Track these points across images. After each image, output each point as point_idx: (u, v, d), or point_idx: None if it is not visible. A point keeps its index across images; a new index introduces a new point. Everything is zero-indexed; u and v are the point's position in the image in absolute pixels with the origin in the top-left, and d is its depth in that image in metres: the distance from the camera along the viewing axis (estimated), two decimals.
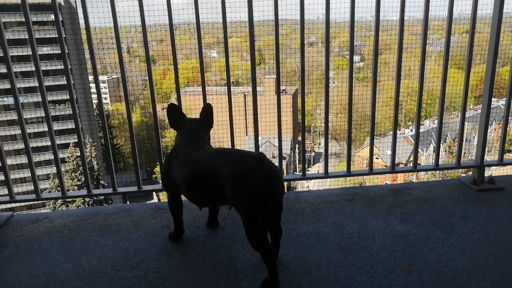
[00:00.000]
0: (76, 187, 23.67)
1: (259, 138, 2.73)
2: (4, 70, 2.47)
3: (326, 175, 2.73)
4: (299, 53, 2.56)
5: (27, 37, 2.30)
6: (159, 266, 1.94)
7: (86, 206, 21.32)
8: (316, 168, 30.99)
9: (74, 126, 2.56)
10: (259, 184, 1.65)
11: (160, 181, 2.46)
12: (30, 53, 2.40)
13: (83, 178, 23.98)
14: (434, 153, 2.84)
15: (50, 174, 24.75)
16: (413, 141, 2.83)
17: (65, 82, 2.51)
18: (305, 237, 2.14)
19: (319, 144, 36.84)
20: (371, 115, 2.67)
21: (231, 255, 2.00)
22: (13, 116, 26.54)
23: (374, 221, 2.28)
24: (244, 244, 2.03)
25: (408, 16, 2.56)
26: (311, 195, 2.66)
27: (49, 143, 2.57)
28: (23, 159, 22.65)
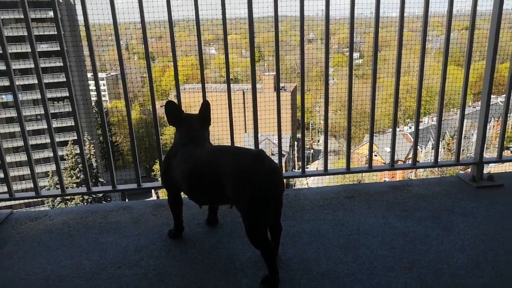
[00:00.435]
0: (74, 185, 23.66)
1: (258, 135, 2.73)
2: (2, 68, 2.46)
3: (326, 172, 2.73)
4: (298, 49, 2.55)
5: (25, 34, 2.29)
6: (158, 264, 1.94)
7: (85, 203, 21.33)
8: (315, 166, 31.03)
9: (72, 124, 2.56)
10: (260, 182, 1.65)
11: (160, 179, 2.46)
12: (28, 50, 2.39)
13: (81, 176, 23.98)
14: (432, 150, 2.84)
15: (48, 172, 24.76)
16: (411, 138, 2.83)
17: (63, 79, 2.50)
18: (305, 234, 2.14)
19: (318, 142, 36.87)
20: (371, 112, 2.67)
21: (230, 252, 2.00)
22: (11, 113, 26.54)
23: (373, 218, 2.28)
24: (243, 241, 2.03)
25: (407, 13, 2.55)
26: (311, 192, 2.67)
27: (47, 140, 2.57)
28: (22, 157, 22.65)
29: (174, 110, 2.09)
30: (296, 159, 30.85)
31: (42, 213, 2.53)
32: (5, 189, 2.55)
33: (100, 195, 21.18)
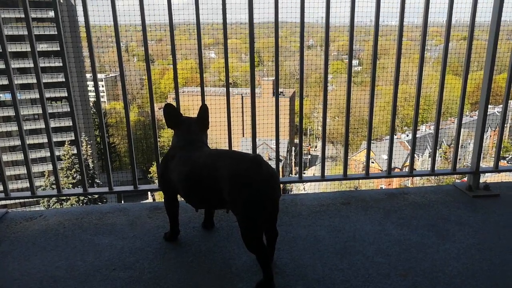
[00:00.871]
0: (70, 185, 23.56)
1: (256, 140, 2.73)
2: (1, 66, 2.46)
3: (323, 178, 2.73)
4: (297, 55, 2.56)
5: (25, 33, 2.29)
6: (154, 266, 1.93)
7: (81, 204, 21.23)
8: (312, 171, 31.05)
9: (70, 124, 2.56)
10: (257, 186, 1.65)
11: (156, 181, 2.46)
12: (26, 49, 2.40)
13: (77, 176, 23.89)
14: (429, 158, 2.85)
15: (44, 171, 24.64)
16: (408, 146, 2.85)
17: (62, 79, 2.50)
18: (301, 239, 2.14)
19: (315, 147, 36.89)
20: (369, 120, 2.68)
21: (226, 256, 2.00)
22: (8, 112, 26.44)
23: (369, 225, 2.28)
24: (239, 245, 2.03)
25: (406, 22, 2.57)
26: (307, 197, 2.67)
27: (44, 140, 2.57)
28: (17, 156, 22.56)
29: (172, 112, 2.09)
30: (293, 164, 30.84)
31: (37, 213, 2.52)
32: (1, 188, 2.54)
33: (96, 196, 21.12)
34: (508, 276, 1.86)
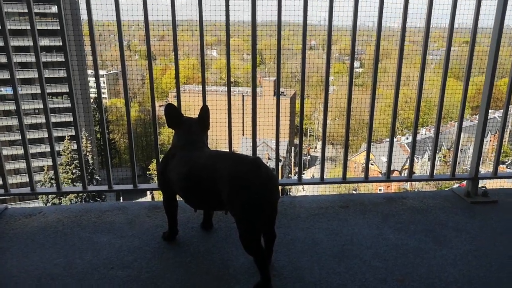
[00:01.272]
0: (69, 181, 23.56)
1: (256, 140, 2.73)
2: (1, 60, 2.47)
3: (322, 181, 2.74)
4: (299, 56, 2.57)
5: (27, 27, 2.29)
6: (151, 266, 1.94)
7: (79, 200, 21.22)
8: (311, 172, 31.05)
9: (70, 119, 2.58)
10: (256, 189, 1.66)
11: (156, 180, 2.46)
12: (28, 44, 2.40)
13: (76, 172, 23.90)
14: (428, 162, 2.85)
15: (44, 166, 24.64)
16: (408, 149, 2.85)
17: (64, 75, 2.51)
18: (299, 242, 2.14)
19: (315, 148, 36.89)
20: (369, 123, 2.68)
21: (224, 257, 2.00)
22: (9, 106, 26.43)
23: (367, 229, 2.29)
24: (237, 247, 2.03)
25: (409, 24, 2.57)
26: (306, 200, 2.68)
27: (44, 135, 2.58)
28: (17, 150, 22.57)
29: (174, 112, 2.09)
30: (292, 164, 30.85)
31: (36, 209, 2.53)
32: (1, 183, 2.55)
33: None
34: (505, 283, 1.87)
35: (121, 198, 21.82)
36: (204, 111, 2.10)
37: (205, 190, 1.83)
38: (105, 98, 36.31)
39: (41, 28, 24.68)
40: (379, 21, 2.46)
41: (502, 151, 2.85)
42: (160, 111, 2.60)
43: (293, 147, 30.38)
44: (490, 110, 2.65)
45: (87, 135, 26.05)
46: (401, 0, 2.45)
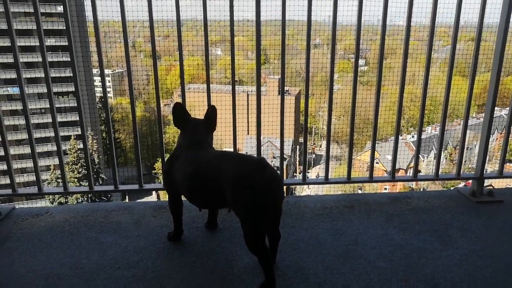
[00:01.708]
0: (76, 179, 23.72)
1: (260, 138, 2.73)
2: (8, 60, 2.49)
3: (327, 180, 2.74)
4: (303, 54, 2.56)
5: (33, 27, 2.31)
6: (157, 266, 1.96)
7: (85, 198, 21.34)
8: (316, 171, 30.99)
9: (76, 119, 2.60)
10: (260, 189, 1.66)
11: (161, 179, 2.48)
12: (34, 43, 2.42)
13: (83, 171, 24.05)
14: (434, 160, 2.84)
15: (50, 165, 24.82)
16: (414, 147, 2.84)
17: (69, 74, 2.53)
18: (303, 242, 2.15)
19: (320, 146, 36.83)
20: (374, 122, 2.67)
21: (229, 257, 2.02)
22: (16, 106, 26.61)
23: (372, 229, 2.29)
24: (242, 247, 2.04)
25: (414, 22, 2.56)
26: (311, 200, 2.68)
27: (50, 134, 2.60)
28: (24, 150, 22.72)
29: (180, 112, 2.10)
30: (297, 163, 30.83)
31: (43, 209, 2.55)
32: (7, 181, 2.57)
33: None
34: (510, 283, 1.86)
35: (126, 197, 21.95)
36: (212, 111, 2.11)
37: (210, 190, 1.84)
38: (111, 97, 36.48)
39: (47, 28, 24.84)
40: (383, 19, 2.45)
41: (508, 149, 2.83)
42: (165, 110, 2.61)
43: (298, 146, 30.36)
44: (497, 108, 2.64)
45: (93, 134, 26.20)
46: None
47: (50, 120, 2.53)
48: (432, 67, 2.68)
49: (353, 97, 2.61)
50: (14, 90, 26.18)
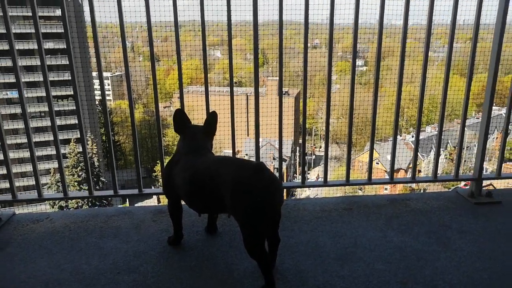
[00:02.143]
0: (76, 183, 23.72)
1: (260, 140, 2.75)
2: (6, 64, 2.50)
3: (325, 183, 2.75)
4: (302, 55, 2.57)
5: (31, 31, 2.32)
6: (157, 270, 1.97)
7: (85, 202, 21.33)
8: (316, 172, 30.99)
9: (75, 122, 2.59)
10: (258, 192, 1.67)
11: (161, 181, 2.49)
12: (33, 47, 2.42)
13: (83, 174, 24.03)
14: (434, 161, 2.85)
15: (50, 169, 24.80)
16: (413, 147, 2.85)
17: (68, 78, 2.54)
18: (302, 245, 2.16)
19: (320, 147, 36.82)
20: (372, 122, 2.68)
21: (229, 261, 2.03)
22: (15, 110, 26.62)
23: (371, 231, 2.30)
24: (242, 251, 2.04)
25: (413, 22, 2.58)
26: (310, 202, 2.69)
27: (50, 138, 2.61)
28: (23, 154, 22.71)
29: (180, 119, 2.12)
30: (297, 164, 30.83)
31: (43, 215, 2.56)
32: (7, 186, 2.58)
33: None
34: (508, 285, 1.88)
35: (127, 200, 21.94)
36: (212, 117, 2.13)
37: (209, 195, 1.85)
38: (110, 100, 36.49)
39: (45, 31, 24.85)
40: (380, 19, 2.47)
41: (508, 148, 2.84)
42: (163, 112, 2.62)
43: (297, 147, 30.36)
44: (497, 107, 2.65)
45: (92, 137, 26.20)
46: None
47: (49, 123, 2.54)
48: (431, 67, 2.70)
49: (350, 100, 2.61)
50: (13, 94, 26.17)
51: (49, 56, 25.39)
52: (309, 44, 2.55)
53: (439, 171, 2.85)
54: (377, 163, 24.85)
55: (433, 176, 2.82)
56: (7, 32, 2.28)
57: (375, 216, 2.48)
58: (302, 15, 2.45)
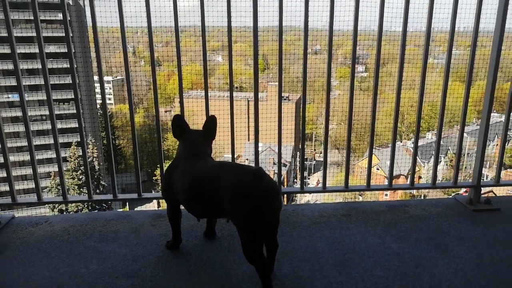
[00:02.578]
0: (76, 186, 23.71)
1: (260, 145, 2.75)
2: (8, 67, 2.52)
3: (324, 189, 2.76)
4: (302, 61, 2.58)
5: (32, 34, 2.34)
6: (155, 275, 1.97)
7: (85, 205, 21.32)
8: (317, 177, 30.95)
9: (76, 126, 2.60)
10: (257, 197, 1.68)
11: (160, 187, 2.49)
12: (35, 51, 2.44)
13: (83, 178, 24.02)
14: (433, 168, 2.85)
15: (50, 172, 24.81)
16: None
17: (69, 81, 2.55)
18: (301, 251, 2.16)
19: (320, 153, 36.82)
20: (371, 128, 2.69)
21: (227, 266, 2.03)
22: (15, 113, 26.66)
23: (369, 237, 2.30)
24: (240, 255, 2.04)
25: (414, 28, 2.60)
26: (309, 208, 2.69)
27: (50, 141, 2.62)
28: (24, 157, 22.73)
29: (180, 123, 2.13)
30: (298, 169, 30.80)
31: (42, 219, 2.57)
32: (7, 189, 2.59)
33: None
34: None
35: (127, 204, 21.92)
36: (211, 120, 2.14)
37: (208, 200, 1.86)
38: (111, 104, 36.55)
39: (47, 35, 24.95)
40: (380, 25, 2.49)
41: (509, 155, 2.85)
42: (164, 116, 2.64)
43: (298, 152, 30.35)
44: (497, 114, 2.66)
45: (93, 141, 26.22)
46: (403, 4, 2.47)
47: (50, 127, 2.55)
48: (432, 73, 2.72)
49: (350, 105, 2.62)
50: (14, 97, 26.22)
51: (51, 60, 25.48)
52: (310, 50, 2.57)
53: (439, 178, 2.86)
54: (377, 169, 24.83)
55: (432, 183, 2.83)
56: (8, 36, 2.30)
57: (374, 222, 2.48)
58: (302, 21, 2.47)
